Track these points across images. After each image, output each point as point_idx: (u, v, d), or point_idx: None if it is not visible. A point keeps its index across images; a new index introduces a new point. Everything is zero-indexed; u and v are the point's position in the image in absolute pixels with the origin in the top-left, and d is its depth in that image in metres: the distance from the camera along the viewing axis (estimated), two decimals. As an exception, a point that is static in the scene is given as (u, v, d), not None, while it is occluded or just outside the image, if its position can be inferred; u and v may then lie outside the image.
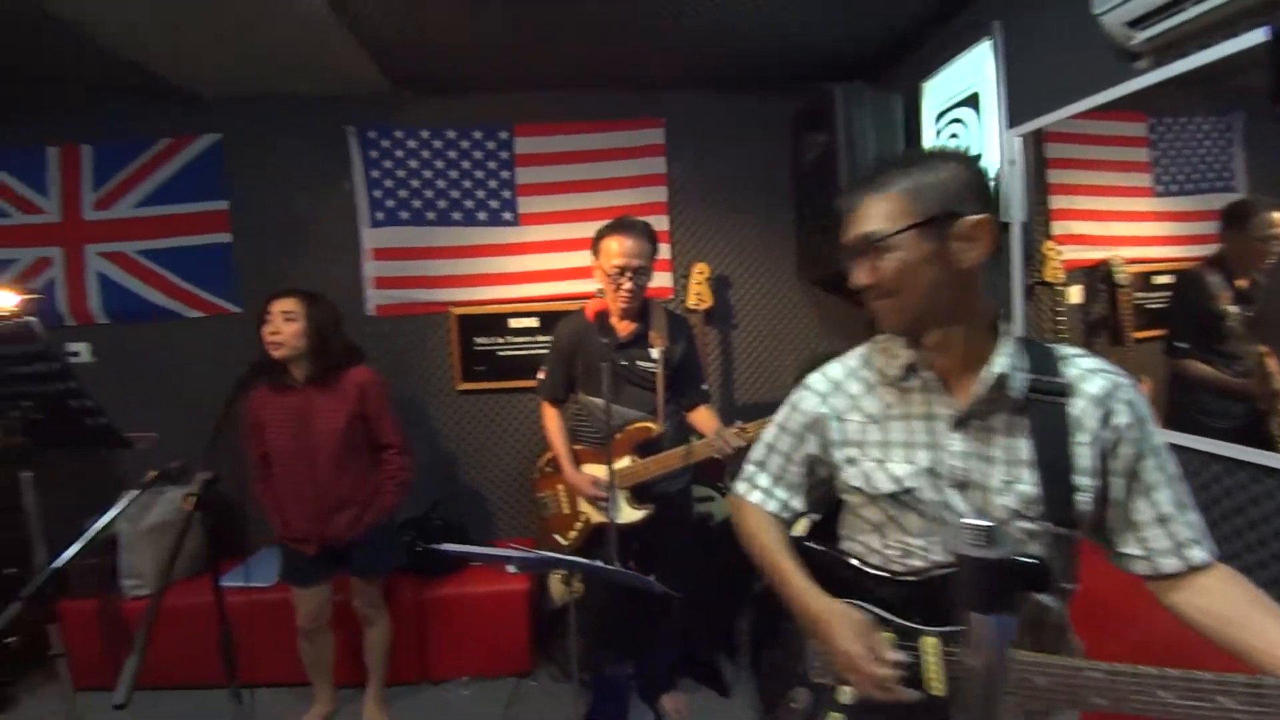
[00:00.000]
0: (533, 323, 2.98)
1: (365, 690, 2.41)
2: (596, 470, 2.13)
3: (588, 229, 2.88)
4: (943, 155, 0.90)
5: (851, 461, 0.99)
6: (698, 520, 2.62)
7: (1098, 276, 1.88)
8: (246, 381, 1.93)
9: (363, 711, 2.39)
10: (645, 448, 2.09)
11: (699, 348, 2.36)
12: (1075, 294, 1.96)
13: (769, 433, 1.12)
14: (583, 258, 2.91)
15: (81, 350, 2.94)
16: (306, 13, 2.06)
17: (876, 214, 0.87)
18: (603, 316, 1.97)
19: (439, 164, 2.92)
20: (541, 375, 2.24)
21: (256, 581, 2.47)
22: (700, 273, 2.86)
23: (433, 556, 2.69)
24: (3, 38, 2.21)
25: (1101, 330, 1.90)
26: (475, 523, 3.11)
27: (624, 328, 2.09)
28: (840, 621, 0.90)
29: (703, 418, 2.17)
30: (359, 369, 2.21)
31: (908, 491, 0.92)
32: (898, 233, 0.85)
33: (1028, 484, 0.87)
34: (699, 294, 2.85)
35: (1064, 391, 0.87)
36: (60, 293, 2.92)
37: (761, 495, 1.09)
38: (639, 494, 2.10)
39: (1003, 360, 0.87)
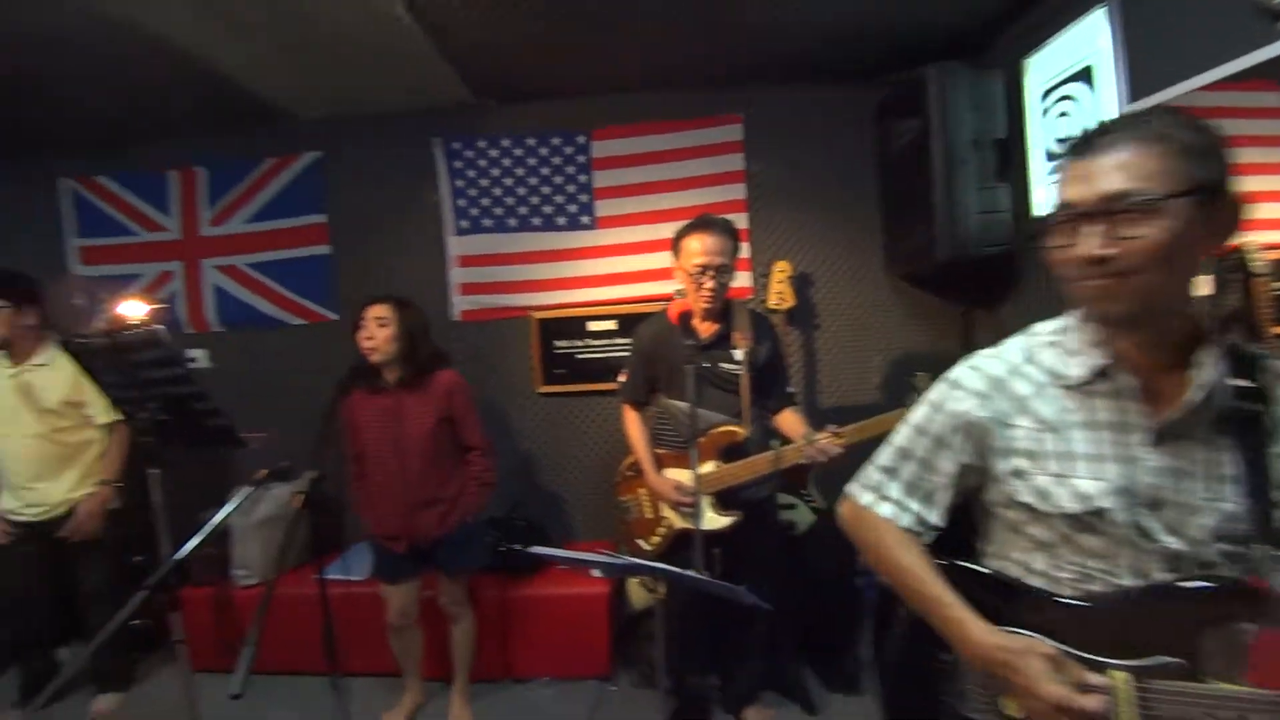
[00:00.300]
0: (611, 325, 2.98)
1: (452, 685, 2.47)
2: (679, 475, 2.08)
3: (666, 230, 2.86)
4: (1193, 118, 0.75)
5: (1020, 475, 0.87)
6: (780, 528, 2.52)
7: (1228, 265, 1.67)
8: (346, 385, 2.02)
9: (449, 706, 2.45)
10: (730, 452, 2.03)
11: (783, 349, 2.28)
12: (1203, 284, 1.74)
13: (901, 435, 1.00)
14: (661, 259, 2.89)
15: (199, 356, 3.19)
16: (396, 30, 2.15)
17: (1138, 169, 0.72)
18: (686, 318, 1.92)
19: (519, 171, 2.97)
20: (622, 378, 2.22)
21: (352, 575, 2.59)
22: (781, 271, 2.76)
23: (516, 556, 2.74)
24: (131, 74, 2.42)
25: (1233, 325, 1.68)
26: (554, 524, 3.14)
27: (706, 329, 2.04)
28: (1031, 660, 0.78)
29: (789, 421, 2.08)
30: (446, 372, 2.27)
31: (1098, 512, 0.81)
32: (1175, 196, 0.70)
33: (1232, 501, 0.77)
34: (780, 293, 2.75)
35: (1263, 398, 0.76)
36: (180, 303, 3.19)
37: (893, 508, 0.97)
38: (724, 500, 2.04)
39: (1215, 364, 0.76)
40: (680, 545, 2.09)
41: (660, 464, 2.13)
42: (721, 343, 2.03)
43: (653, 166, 2.90)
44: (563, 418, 3.10)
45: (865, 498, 1.01)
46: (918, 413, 0.99)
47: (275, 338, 3.19)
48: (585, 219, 2.95)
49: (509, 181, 2.98)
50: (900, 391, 2.00)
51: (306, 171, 3.09)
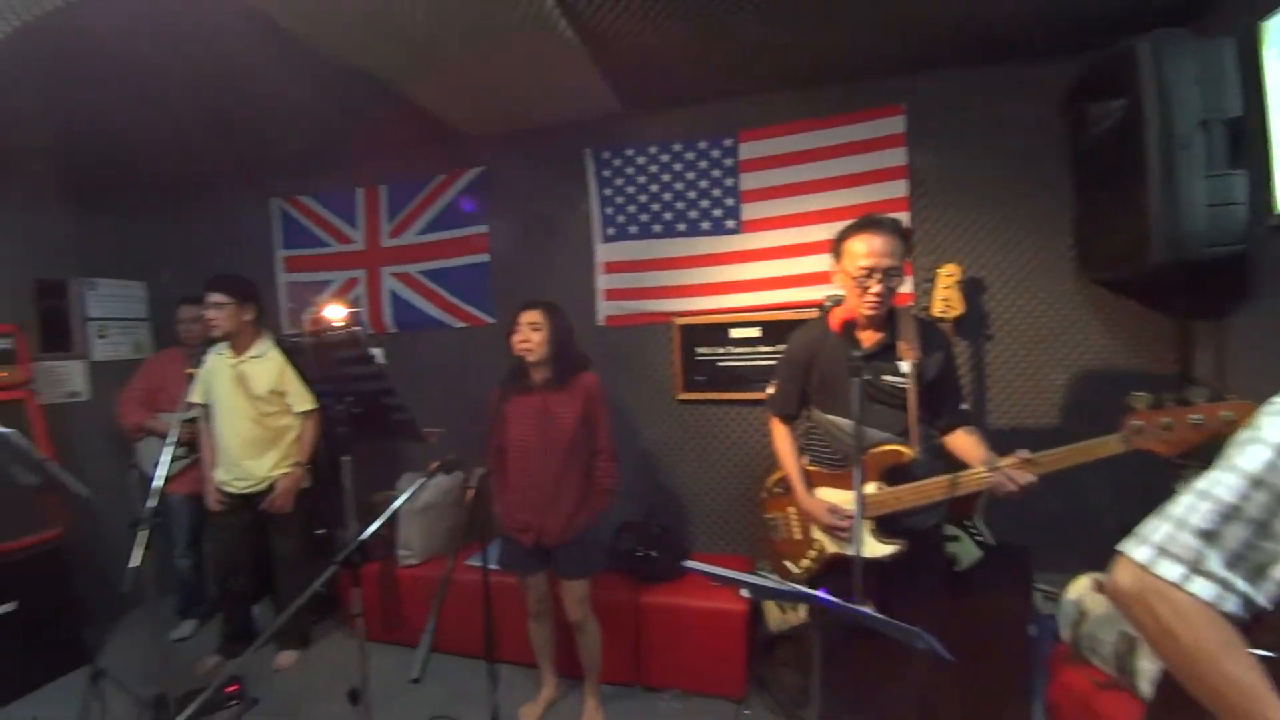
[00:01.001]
0: (754, 332, 2.88)
1: (584, 685, 2.51)
2: (832, 495, 1.94)
3: (817, 233, 2.74)
4: None
5: None
6: (945, 563, 2.28)
7: None
8: (507, 385, 2.11)
9: (582, 705, 2.49)
10: (894, 474, 1.85)
11: (954, 361, 2.05)
12: None
13: (1224, 485, 0.76)
14: (809, 264, 2.76)
15: (377, 354, 3.54)
16: (558, 45, 2.23)
17: None
18: (850, 326, 1.78)
19: (665, 177, 2.97)
20: (771, 389, 2.12)
21: (495, 564, 2.72)
22: (949, 275, 2.50)
23: (650, 561, 2.73)
24: (336, 107, 2.74)
25: None
26: (687, 533, 3.10)
27: (868, 338, 1.88)
28: None
29: (965, 444, 1.86)
30: (587, 374, 2.33)
31: None
32: None
33: None
34: (947, 299, 2.49)
35: None
36: (363, 306, 3.55)
37: (1215, 589, 0.73)
38: (885, 526, 1.87)
39: None
40: (831, 571, 1.95)
41: (810, 482, 2.01)
42: (885, 353, 1.87)
43: (803, 166, 2.76)
44: (701, 426, 3.05)
45: (1169, 569, 0.76)
46: (1249, 456, 0.75)
47: (438, 339, 3.45)
48: (730, 223, 2.88)
49: (655, 188, 2.99)
50: (1094, 414, 1.72)
51: (471, 185, 3.33)
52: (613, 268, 3.09)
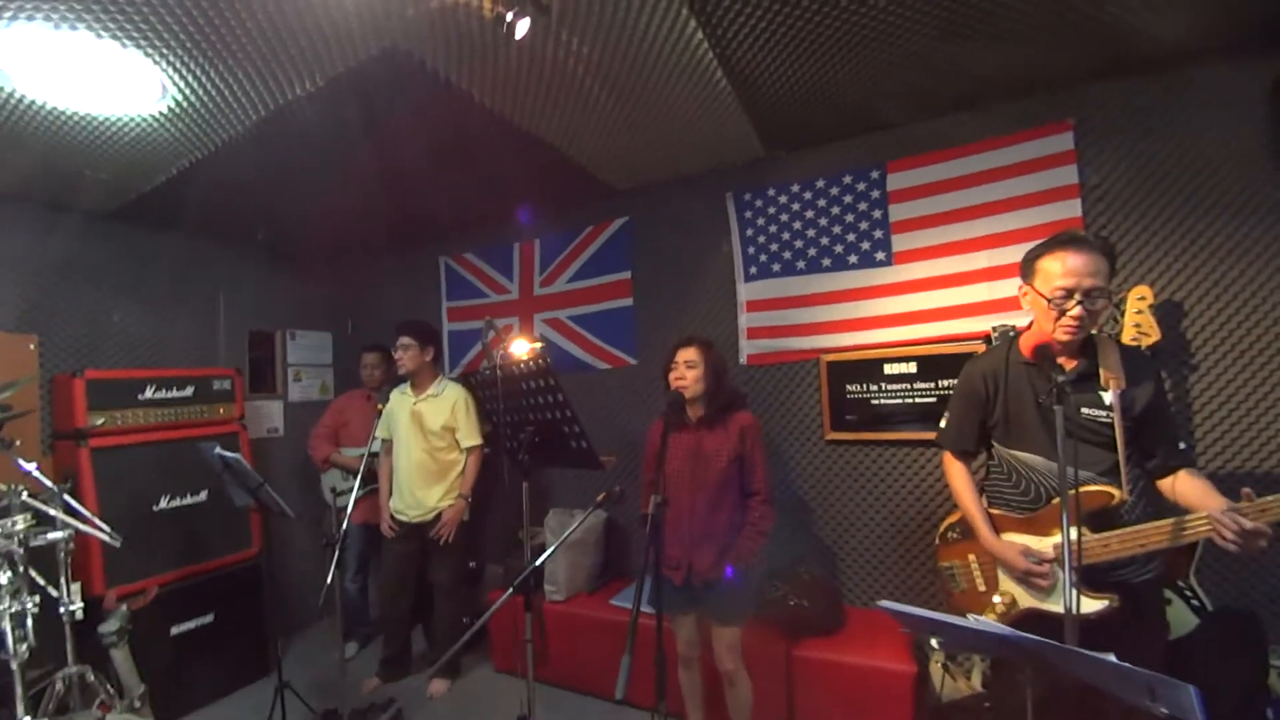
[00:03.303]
0: (909, 368, 2.72)
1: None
2: (1025, 540, 1.75)
3: (976, 260, 2.59)
4: None
5: None
6: (1163, 627, 1.96)
7: None
8: (667, 421, 2.14)
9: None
10: (1097, 520, 1.64)
11: (1166, 392, 1.81)
12: None
13: None
14: (970, 293, 2.60)
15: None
16: (711, 95, 2.34)
17: None
18: (1046, 352, 1.64)
19: (808, 214, 2.95)
20: (944, 423, 1.98)
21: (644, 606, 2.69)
22: (1140, 299, 2.25)
23: (800, 611, 2.58)
24: (508, 173, 3.00)
25: None
26: (837, 582, 2.92)
27: (1063, 365, 1.72)
28: None
29: (1193, 488, 1.60)
30: (743, 413, 2.30)
31: None
32: None
33: None
34: (1139, 326, 2.23)
35: None
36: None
37: None
38: (1089, 579, 1.64)
39: None
40: (1023, 629, 1.73)
41: (996, 528, 1.83)
42: (1084, 383, 1.69)
43: (960, 193, 2.63)
44: (853, 467, 2.90)
45: None
46: None
47: (585, 382, 3.57)
48: (880, 255, 2.79)
49: (798, 225, 2.98)
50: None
51: (617, 234, 3.50)
52: (755, 306, 3.08)
